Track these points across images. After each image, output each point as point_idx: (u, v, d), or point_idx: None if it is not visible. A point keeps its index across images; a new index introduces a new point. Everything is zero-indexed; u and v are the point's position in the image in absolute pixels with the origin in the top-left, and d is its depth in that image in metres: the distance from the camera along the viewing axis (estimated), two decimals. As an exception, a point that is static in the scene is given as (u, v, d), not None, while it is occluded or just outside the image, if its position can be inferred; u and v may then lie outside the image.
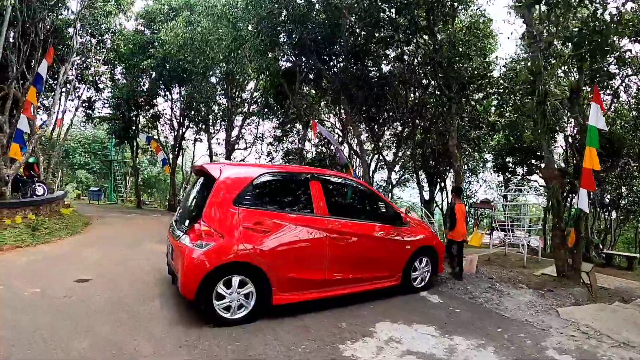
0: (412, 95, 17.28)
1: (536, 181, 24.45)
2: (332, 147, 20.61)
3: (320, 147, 23.78)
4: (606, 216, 25.72)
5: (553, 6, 8.35)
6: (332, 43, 14.70)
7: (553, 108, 13.60)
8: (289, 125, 24.38)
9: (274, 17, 13.42)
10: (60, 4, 14.82)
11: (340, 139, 20.63)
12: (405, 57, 15.55)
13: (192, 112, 22.25)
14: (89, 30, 18.01)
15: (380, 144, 20.88)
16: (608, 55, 11.30)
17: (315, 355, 4.09)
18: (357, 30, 14.37)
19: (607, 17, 7.03)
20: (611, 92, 14.94)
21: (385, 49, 15.07)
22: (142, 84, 22.20)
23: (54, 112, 15.96)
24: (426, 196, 19.89)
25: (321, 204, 5.51)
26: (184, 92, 21.90)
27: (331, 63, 15.71)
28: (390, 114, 18.20)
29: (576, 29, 8.14)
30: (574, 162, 14.88)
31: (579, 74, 10.54)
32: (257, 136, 26.32)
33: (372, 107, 17.48)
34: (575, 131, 15.52)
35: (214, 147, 25.01)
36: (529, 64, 10.16)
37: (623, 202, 23.89)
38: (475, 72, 13.85)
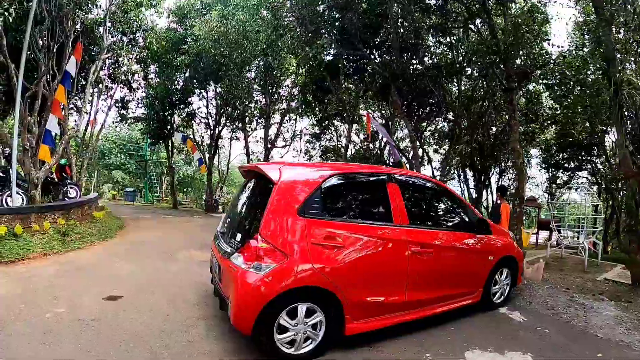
0: (462, 87, 16.06)
1: (587, 178, 22.86)
2: (378, 143, 19.56)
3: (364, 143, 22.74)
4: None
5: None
6: (375, 33, 13.71)
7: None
8: (326, 122, 23.48)
9: (316, 3, 12.44)
10: (89, 2, 14.20)
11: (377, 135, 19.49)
12: (459, 44, 14.31)
13: (229, 109, 21.44)
14: (120, 29, 17.44)
15: (421, 140, 19.73)
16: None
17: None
18: (406, 17, 13.26)
19: None
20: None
21: (440, 37, 13.88)
22: (176, 82, 21.59)
23: (86, 112, 15.40)
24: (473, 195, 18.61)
25: (400, 211, 4.54)
26: (220, 89, 21.09)
27: (376, 53, 14.62)
28: (434, 108, 17.31)
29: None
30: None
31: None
32: (294, 134, 25.44)
33: (413, 101, 16.58)
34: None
35: (250, 145, 24.40)
36: (601, 49, 8.93)
37: None
38: (539, 60, 12.57)
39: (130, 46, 18.56)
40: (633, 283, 7.78)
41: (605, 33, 8.24)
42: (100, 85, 17.79)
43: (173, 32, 20.53)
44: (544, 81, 13.61)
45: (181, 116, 23.99)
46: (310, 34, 13.45)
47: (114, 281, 6.24)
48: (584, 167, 21.97)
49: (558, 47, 14.16)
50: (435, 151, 23.17)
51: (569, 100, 15.06)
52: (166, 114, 22.21)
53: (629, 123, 15.34)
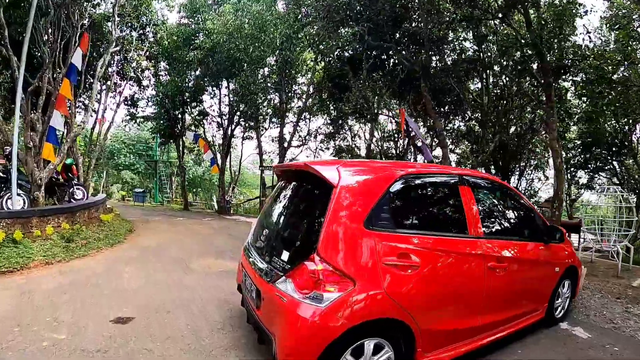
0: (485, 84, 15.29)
1: (608, 178, 21.80)
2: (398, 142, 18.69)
3: (384, 142, 21.95)
4: None
5: None
6: (399, 26, 12.88)
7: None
8: (340, 122, 22.68)
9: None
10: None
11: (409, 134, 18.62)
12: (490, 38, 13.46)
13: (244, 106, 20.54)
14: (129, 23, 16.70)
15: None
16: None
17: None
18: (437, 9, 12.46)
19: None
20: None
21: (473, 29, 13.02)
22: (187, 79, 20.80)
23: (93, 109, 14.65)
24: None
25: (475, 220, 3.76)
26: (235, 85, 20.25)
27: (400, 46, 13.77)
28: (452, 106, 16.74)
29: None
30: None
31: None
32: (309, 133, 24.59)
33: (432, 99, 15.60)
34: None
35: (263, 145, 23.64)
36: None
37: None
38: (577, 53, 11.72)
39: (140, 41, 17.82)
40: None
41: None
42: (108, 83, 17.04)
43: (184, 27, 19.77)
44: (583, 76, 12.59)
45: (192, 115, 23.26)
46: (333, 25, 12.60)
47: (123, 297, 5.40)
48: (606, 167, 20.95)
49: (591, 41, 13.44)
50: (451, 151, 22.40)
51: (608, 97, 14.20)
52: (177, 112, 21.50)
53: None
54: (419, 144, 15.33)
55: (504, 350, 4.16)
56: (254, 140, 24.13)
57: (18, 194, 8.89)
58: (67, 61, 10.89)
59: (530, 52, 11.52)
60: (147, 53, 18.95)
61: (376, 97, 15.82)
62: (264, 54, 17.36)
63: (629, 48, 11.94)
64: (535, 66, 12.19)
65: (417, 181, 3.60)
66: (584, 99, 15.48)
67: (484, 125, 15.63)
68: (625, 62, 12.29)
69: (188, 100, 21.41)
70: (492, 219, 4.35)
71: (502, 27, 13.54)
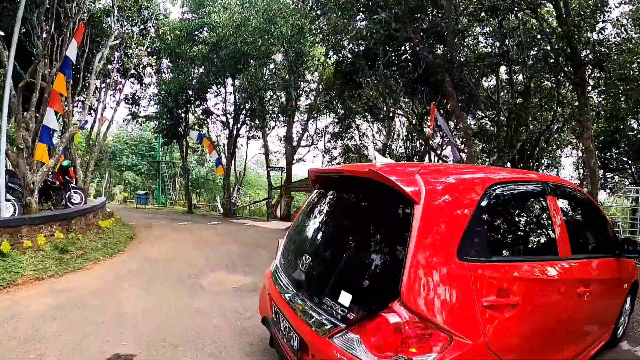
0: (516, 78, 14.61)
1: (623, 178, 20.92)
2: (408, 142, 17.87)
3: (393, 142, 21.13)
4: None
5: None
6: (417, 18, 12.10)
7: None
8: (347, 121, 21.93)
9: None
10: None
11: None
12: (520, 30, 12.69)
13: (252, 103, 19.67)
14: (130, 17, 15.86)
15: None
16: None
17: None
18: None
19: None
20: None
21: (501, 20, 12.25)
22: (190, 76, 19.94)
23: (90, 106, 13.83)
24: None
25: (564, 237, 2.98)
26: (241, 81, 19.42)
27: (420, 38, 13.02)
28: (464, 104, 16.04)
29: None
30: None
31: None
32: (316, 132, 23.78)
33: (443, 98, 15.28)
34: None
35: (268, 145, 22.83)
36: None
37: None
38: (611, 48, 11.01)
39: (141, 37, 16.98)
40: None
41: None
42: (108, 80, 16.20)
43: (187, 22, 18.95)
44: (620, 72, 11.75)
45: (196, 114, 22.48)
46: (352, 15, 11.81)
47: (122, 326, 4.53)
48: (626, 167, 20.05)
49: (618, 35, 12.71)
50: (462, 150, 21.69)
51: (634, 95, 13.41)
52: (180, 111, 20.74)
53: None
54: (439, 142, 14.52)
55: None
56: (257, 140, 23.44)
57: (7, 200, 8.06)
58: (62, 54, 10.06)
59: (560, 45, 10.73)
60: (149, 49, 18.09)
61: (394, 94, 14.94)
62: (273, 47, 16.50)
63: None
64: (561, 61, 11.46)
65: (506, 191, 2.72)
66: (603, 95, 14.66)
67: (508, 123, 14.87)
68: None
69: (192, 98, 20.63)
70: (576, 235, 3.50)
71: (528, 20, 12.75)
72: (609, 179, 21.20)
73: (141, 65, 19.37)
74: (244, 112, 20.64)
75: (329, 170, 3.27)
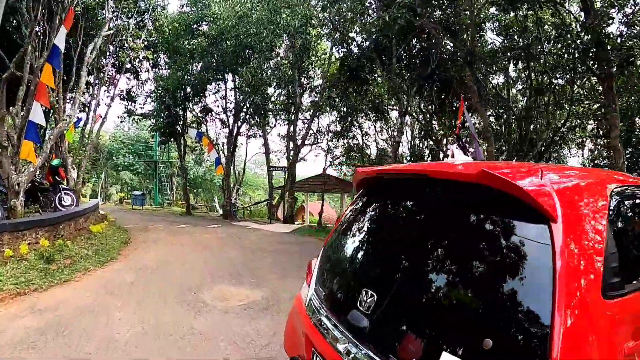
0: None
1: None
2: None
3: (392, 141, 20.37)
4: None
5: None
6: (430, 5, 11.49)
7: None
8: (350, 119, 21.06)
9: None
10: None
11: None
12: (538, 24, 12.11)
13: (255, 98, 18.80)
14: (126, 9, 15.04)
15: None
16: None
17: None
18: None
19: None
20: None
21: (528, 9, 11.68)
22: (189, 72, 19.05)
23: (82, 101, 13.03)
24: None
25: None
26: (245, 74, 18.42)
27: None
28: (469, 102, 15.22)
29: None
30: None
31: None
32: (318, 130, 23.00)
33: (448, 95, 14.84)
34: None
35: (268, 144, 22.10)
36: None
37: None
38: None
39: (137, 29, 16.17)
40: None
41: None
42: (102, 75, 15.35)
43: (186, 15, 18.18)
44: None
45: (194, 112, 21.72)
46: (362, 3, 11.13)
47: (112, 357, 3.78)
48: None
49: None
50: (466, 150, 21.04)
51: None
52: (178, 108, 19.98)
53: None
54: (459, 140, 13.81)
55: None
56: (257, 139, 22.69)
57: (-12, 203, 7.30)
58: (50, 43, 9.26)
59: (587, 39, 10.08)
60: (146, 42, 17.28)
61: (407, 90, 14.19)
62: (279, 39, 15.74)
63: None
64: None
65: (633, 197, 1.97)
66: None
67: (521, 122, 14.19)
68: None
69: (190, 95, 19.87)
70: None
71: (549, 13, 12.11)
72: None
73: (137, 60, 18.54)
74: (244, 109, 19.85)
75: (402, 170, 2.36)
